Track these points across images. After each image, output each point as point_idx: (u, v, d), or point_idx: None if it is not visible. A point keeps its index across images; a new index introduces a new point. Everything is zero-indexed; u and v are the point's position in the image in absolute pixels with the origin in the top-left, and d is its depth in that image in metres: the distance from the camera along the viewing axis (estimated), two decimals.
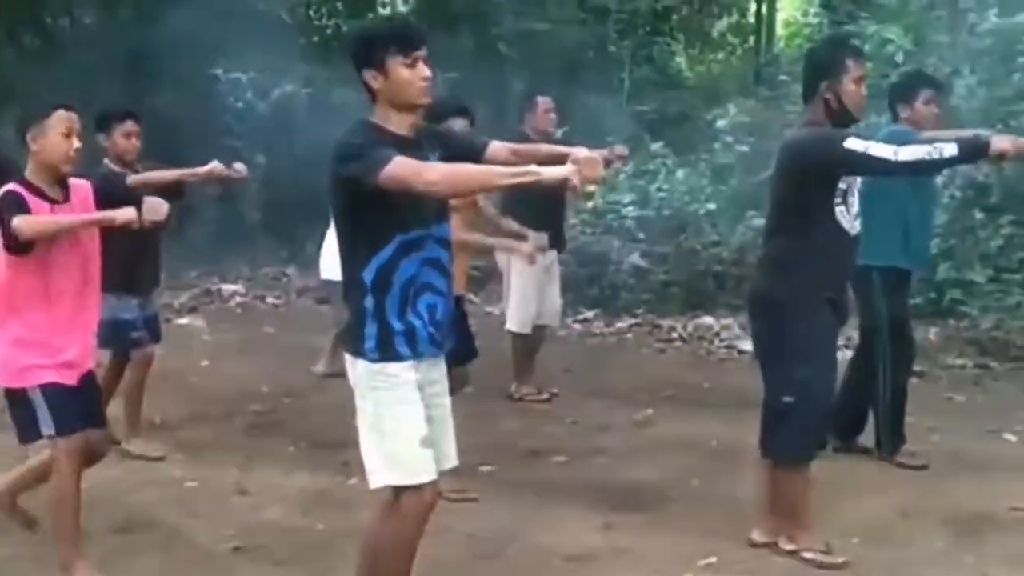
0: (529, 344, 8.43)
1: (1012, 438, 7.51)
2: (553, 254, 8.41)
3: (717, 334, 10.54)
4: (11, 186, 4.68)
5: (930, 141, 5.03)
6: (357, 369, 4.02)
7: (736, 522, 5.67)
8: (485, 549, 5.33)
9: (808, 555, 5.22)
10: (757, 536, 5.39)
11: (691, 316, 11.00)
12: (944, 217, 10.40)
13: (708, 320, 10.85)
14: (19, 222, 4.53)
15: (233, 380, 8.72)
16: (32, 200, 4.66)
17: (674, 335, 10.66)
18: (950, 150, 4.72)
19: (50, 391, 4.67)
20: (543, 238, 7.70)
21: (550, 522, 5.77)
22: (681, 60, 15.92)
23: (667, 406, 8.22)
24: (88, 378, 4.87)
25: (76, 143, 4.74)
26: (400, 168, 3.70)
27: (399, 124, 3.96)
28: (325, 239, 8.66)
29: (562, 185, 3.72)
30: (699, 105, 13.74)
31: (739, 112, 12.39)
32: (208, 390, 8.42)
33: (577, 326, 10.84)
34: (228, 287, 12.53)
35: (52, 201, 4.74)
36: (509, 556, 5.29)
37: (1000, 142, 4.81)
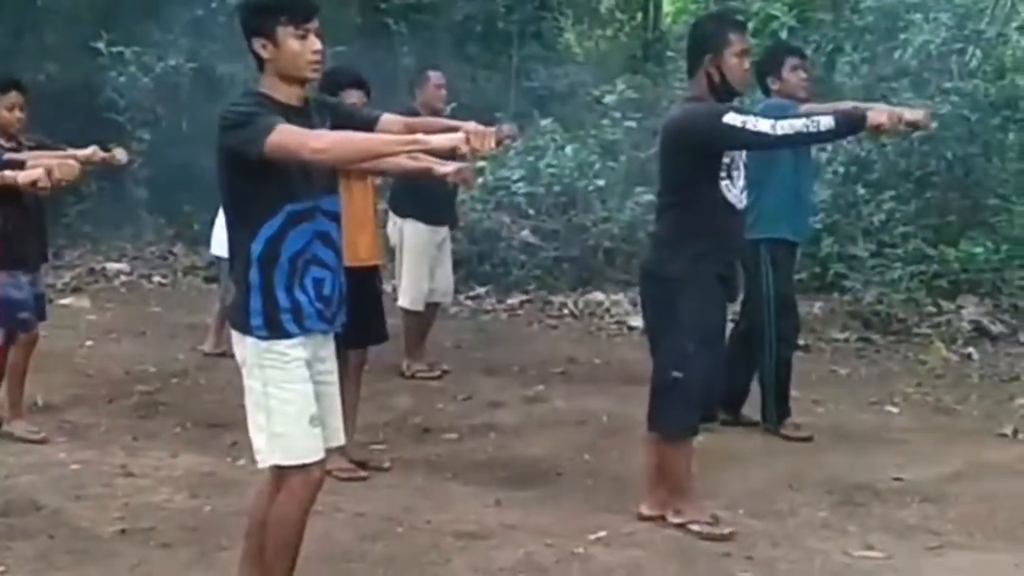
0: (422, 321, 8.40)
1: (894, 410, 7.68)
2: (445, 231, 8.40)
3: (607, 310, 10.60)
4: None
5: (808, 114, 5.07)
6: (245, 346, 3.95)
7: (626, 497, 5.72)
8: (374, 528, 5.30)
9: (695, 527, 5.27)
10: (645, 509, 5.43)
11: (582, 292, 11.06)
12: (827, 192, 10.59)
13: (599, 296, 10.90)
14: None
15: (118, 360, 8.57)
16: None
17: (565, 311, 10.70)
18: (827, 123, 4.78)
19: None
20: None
21: (441, 499, 5.76)
22: (569, 36, 15.91)
23: (558, 382, 8.26)
24: None
25: None
26: (286, 136, 3.63)
27: (287, 95, 3.88)
28: (217, 215, 8.53)
29: (450, 153, 3.68)
30: (587, 81, 13.76)
31: (627, 88, 12.43)
32: (93, 371, 8.26)
33: (469, 303, 10.83)
34: (112, 266, 12.28)
35: None
36: (399, 534, 5.26)
37: (876, 116, 4.88)
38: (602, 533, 5.28)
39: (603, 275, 11.32)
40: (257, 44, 3.85)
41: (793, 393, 7.07)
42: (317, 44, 3.86)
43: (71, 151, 6.34)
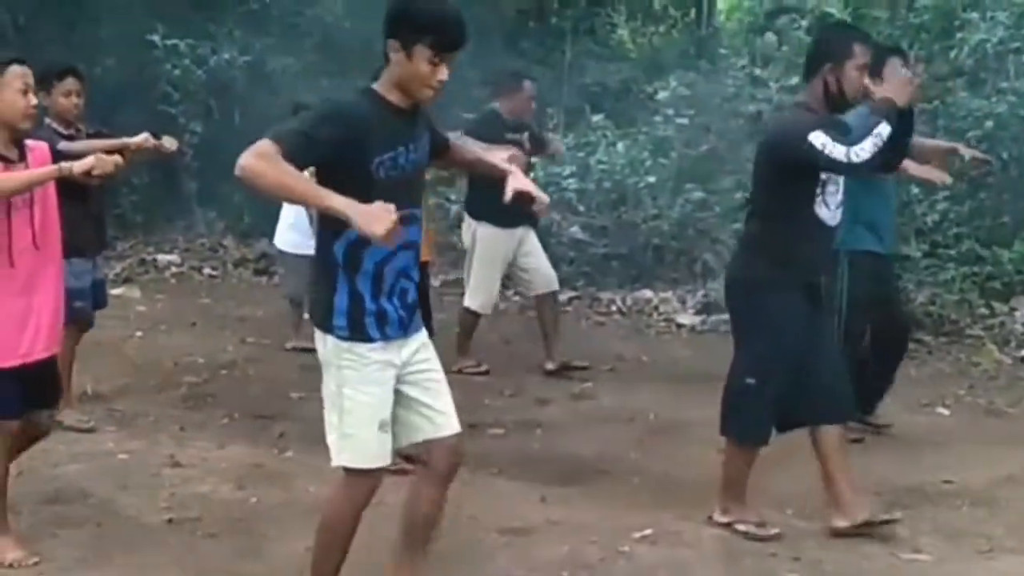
0: (543, 315, 8.43)
1: (945, 412, 7.60)
2: (522, 231, 8.32)
3: (656, 307, 10.56)
4: None
5: (870, 131, 4.91)
6: (326, 344, 3.93)
7: (672, 495, 5.70)
8: None
9: (741, 527, 5.24)
10: (718, 516, 5.36)
11: (630, 289, 11.02)
12: None
13: (647, 293, 10.86)
14: None
15: (167, 351, 8.63)
16: None
17: (613, 308, 10.68)
18: (884, 128, 4.76)
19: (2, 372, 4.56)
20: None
21: (486, 495, 5.74)
22: (623, 32, 15.85)
23: (606, 379, 8.23)
24: (45, 362, 4.75)
25: (33, 100, 4.59)
26: (259, 146, 3.54)
27: (398, 98, 3.83)
28: (281, 208, 8.60)
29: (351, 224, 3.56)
30: (640, 78, 13.70)
31: (679, 85, 12.35)
32: (142, 361, 8.33)
33: (517, 299, 10.81)
34: (163, 257, 12.38)
35: (7, 161, 4.58)
36: (443, 530, 5.25)
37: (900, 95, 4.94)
38: (648, 531, 5.26)
39: (652, 272, 11.27)
40: (393, 46, 3.78)
41: None
42: (444, 75, 3.78)
43: (125, 139, 6.38)
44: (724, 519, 5.31)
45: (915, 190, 10.45)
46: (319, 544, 4.10)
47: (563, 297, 10.77)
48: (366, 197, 3.53)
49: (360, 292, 3.85)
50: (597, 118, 12.48)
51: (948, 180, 5.28)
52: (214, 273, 12.08)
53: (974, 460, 6.47)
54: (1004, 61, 11.07)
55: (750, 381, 5.16)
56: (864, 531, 5.20)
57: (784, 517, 5.54)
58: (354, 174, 3.69)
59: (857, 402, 6.55)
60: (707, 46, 15.13)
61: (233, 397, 7.51)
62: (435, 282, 10.56)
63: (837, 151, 4.79)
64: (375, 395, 3.91)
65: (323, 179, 3.71)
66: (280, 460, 6.20)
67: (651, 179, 11.55)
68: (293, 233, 8.50)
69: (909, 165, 6.27)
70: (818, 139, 4.82)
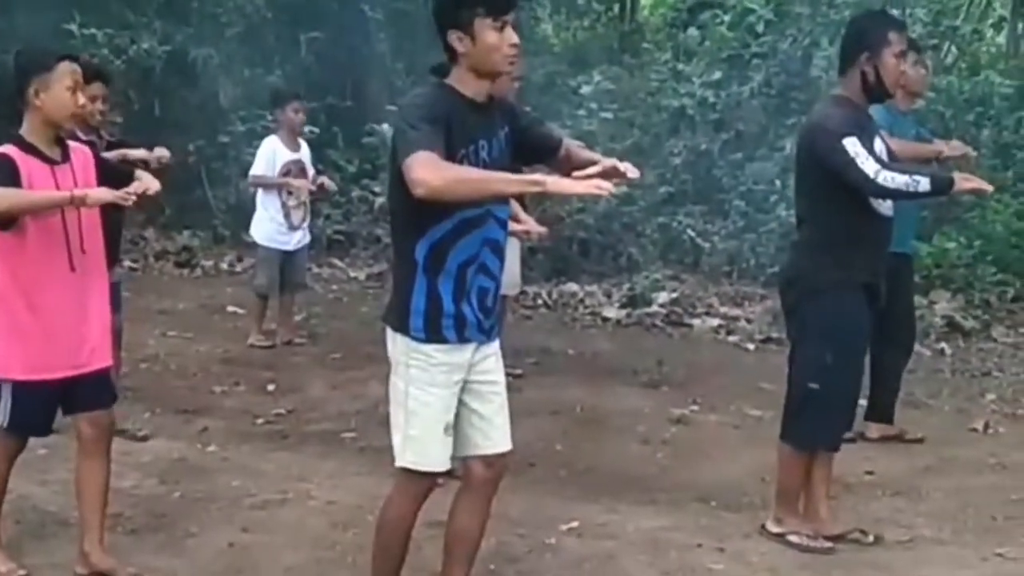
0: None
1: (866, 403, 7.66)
2: None
3: (582, 301, 10.59)
4: (2, 148, 4.29)
5: (911, 172, 4.81)
6: (397, 344, 3.88)
7: (599, 487, 5.71)
8: (345, 516, 5.27)
9: (794, 538, 5.09)
10: (772, 526, 5.22)
11: (556, 283, 11.03)
12: None
13: (573, 287, 10.88)
14: None
15: None
16: (28, 161, 4.28)
17: (539, 302, 10.68)
18: (925, 185, 4.67)
19: (20, 389, 4.40)
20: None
21: None
22: (547, 27, 15.86)
23: (532, 372, 8.22)
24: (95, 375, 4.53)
25: (81, 99, 4.36)
26: (418, 162, 3.48)
27: (475, 90, 3.74)
28: (257, 197, 8.51)
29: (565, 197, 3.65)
30: (564, 72, 13.74)
31: (603, 79, 12.40)
32: None
33: None
34: None
35: (51, 162, 4.35)
36: (370, 523, 5.19)
37: (963, 183, 4.80)
38: (574, 523, 5.27)
39: (578, 266, 11.30)
40: (453, 37, 3.69)
41: (767, 387, 7.07)
42: (514, 37, 3.71)
43: (144, 152, 6.33)
44: (777, 529, 5.16)
45: None
46: (378, 545, 4.09)
47: None
48: None
49: (440, 294, 3.78)
50: None
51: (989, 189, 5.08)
52: (134, 266, 11.90)
53: (894, 451, 6.56)
54: (923, 57, 11.22)
55: (813, 386, 4.98)
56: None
57: (709, 508, 5.58)
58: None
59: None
60: (631, 41, 15.22)
61: (155, 392, 7.40)
62: (359, 275, 10.53)
63: (868, 166, 4.67)
64: (441, 397, 3.85)
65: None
66: (203, 455, 6.13)
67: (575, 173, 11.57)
68: (270, 225, 8.39)
69: None
70: (852, 147, 4.70)
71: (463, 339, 3.83)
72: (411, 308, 3.79)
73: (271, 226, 8.40)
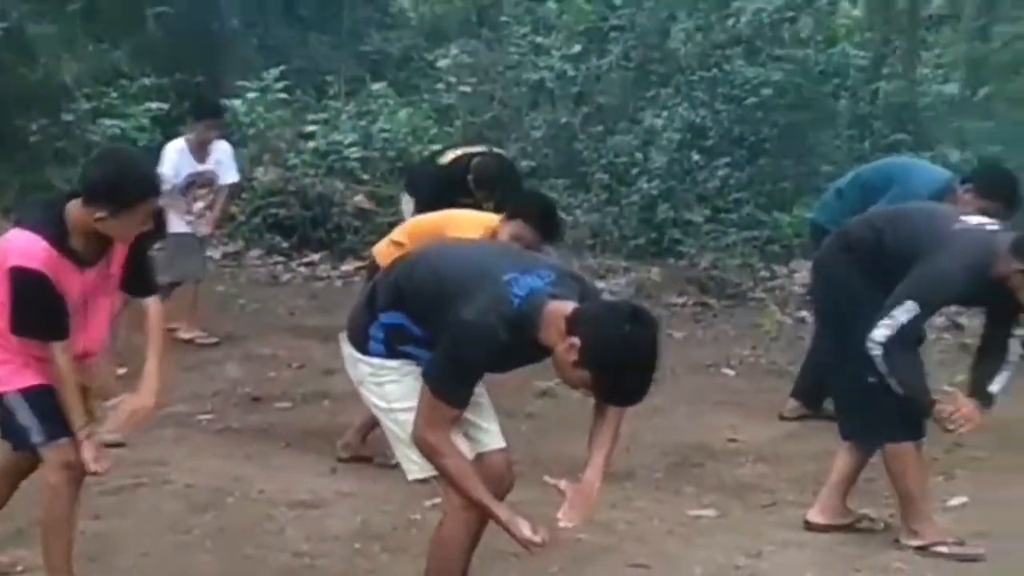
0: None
1: (730, 372, 7.76)
2: None
3: None
4: (38, 249, 3.71)
5: (912, 372, 4.62)
6: (358, 368, 3.82)
7: None
8: (204, 499, 5.14)
9: (942, 549, 4.75)
10: (816, 517, 5.02)
11: None
12: (663, 159, 10.64)
13: None
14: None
15: None
16: (60, 264, 3.74)
17: None
18: (907, 385, 4.55)
19: (33, 394, 3.90)
20: None
21: (274, 469, 5.62)
22: (404, 0, 15.70)
23: None
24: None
25: (145, 228, 3.89)
26: (433, 436, 3.60)
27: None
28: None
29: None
30: (421, 46, 13.61)
31: (461, 53, 12.31)
32: None
33: (302, 269, 10.60)
34: None
35: (83, 264, 3.82)
36: (230, 505, 5.10)
37: (943, 410, 4.61)
38: (438, 499, 5.17)
39: None
40: None
41: None
42: None
43: None
44: (918, 543, 4.80)
45: (696, 157, 10.65)
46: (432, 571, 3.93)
47: (349, 267, 10.64)
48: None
49: (392, 338, 3.72)
50: (378, 86, 12.36)
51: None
52: None
53: (757, 418, 6.61)
54: (779, 30, 11.38)
55: (872, 380, 4.63)
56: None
57: (576, 481, 5.52)
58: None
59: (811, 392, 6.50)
60: (488, 14, 15.11)
61: None
62: (215, 254, 10.29)
63: (883, 327, 4.49)
64: None
65: (403, 301, 3.74)
66: None
67: (435, 147, 11.47)
68: (174, 215, 7.93)
69: None
70: (912, 309, 4.49)
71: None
72: (370, 334, 3.75)
73: (175, 216, 7.96)
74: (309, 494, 5.24)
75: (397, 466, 5.39)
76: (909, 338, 4.58)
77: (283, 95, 12.02)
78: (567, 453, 5.91)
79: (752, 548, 4.80)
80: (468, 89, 11.89)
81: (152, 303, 4.13)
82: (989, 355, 4.77)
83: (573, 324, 3.44)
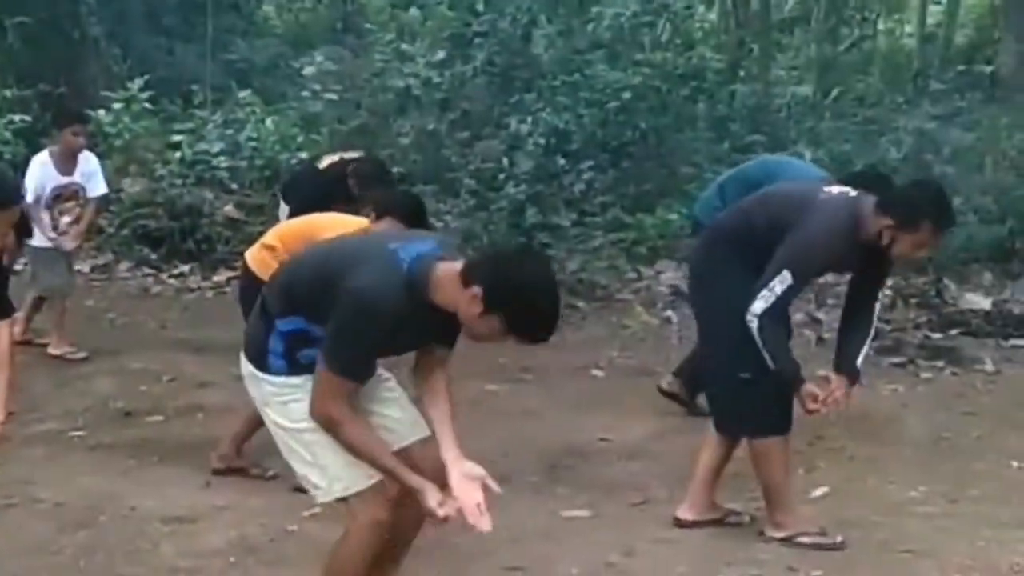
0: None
1: (599, 373, 7.87)
2: None
3: None
4: None
5: (775, 339, 4.68)
6: (261, 386, 3.75)
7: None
8: (75, 517, 5.09)
9: (805, 539, 4.91)
10: (685, 514, 5.12)
11: None
12: (529, 164, 10.74)
13: None
14: None
15: None
16: None
17: None
18: (779, 359, 4.64)
19: None
20: None
21: (147, 484, 5.57)
22: (268, 8, 15.63)
23: None
24: None
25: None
26: (330, 408, 3.56)
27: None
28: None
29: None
30: (287, 53, 13.56)
31: (326, 60, 12.30)
32: None
33: (173, 281, 10.49)
34: None
35: None
36: (102, 523, 5.06)
37: (807, 391, 4.71)
38: (316, 509, 5.19)
39: None
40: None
41: (504, 362, 7.16)
42: None
43: None
44: (781, 534, 4.94)
45: (561, 161, 10.78)
46: None
47: (220, 278, 10.56)
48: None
49: (293, 345, 3.67)
50: (245, 94, 12.29)
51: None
52: None
53: (628, 418, 6.73)
54: (638, 34, 11.56)
55: (744, 375, 4.76)
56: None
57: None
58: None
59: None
60: (353, 21, 15.14)
61: None
62: (84, 267, 10.14)
63: (759, 301, 4.60)
64: None
65: (310, 303, 3.66)
66: None
67: (303, 155, 11.46)
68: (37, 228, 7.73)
69: None
70: (787, 279, 4.60)
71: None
72: (270, 348, 3.71)
73: (39, 230, 7.78)
74: (184, 509, 5.22)
75: (274, 477, 5.45)
76: (784, 310, 4.72)
77: (148, 105, 11.88)
78: None
79: (625, 546, 4.91)
80: (334, 96, 11.87)
81: (3, 326, 4.11)
82: (857, 324, 4.92)
83: (468, 275, 3.48)
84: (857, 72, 12.66)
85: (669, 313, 9.39)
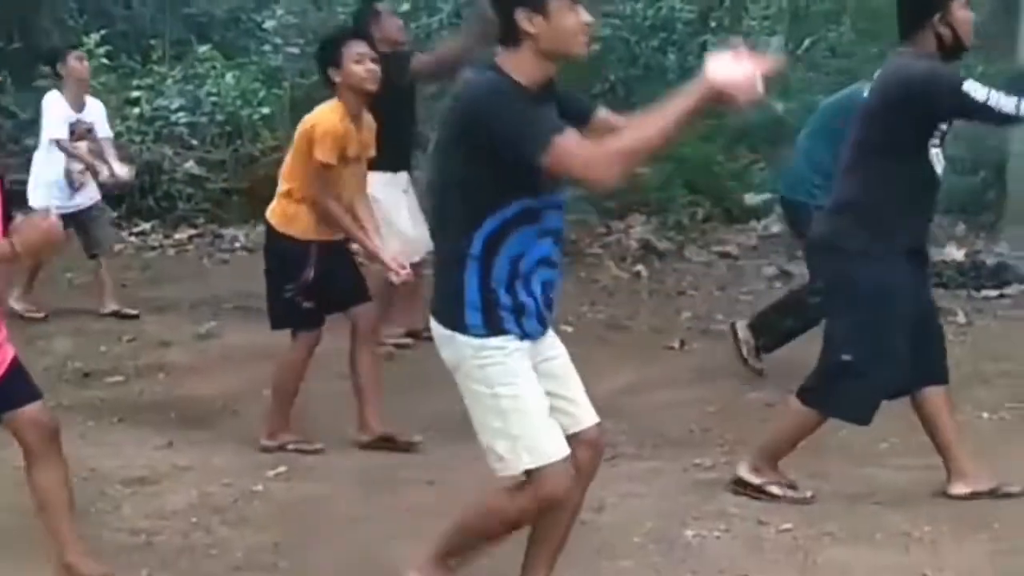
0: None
1: (569, 329, 7.64)
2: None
3: None
4: None
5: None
6: (456, 346, 3.49)
7: (305, 431, 5.59)
8: None
9: (775, 489, 4.89)
10: (751, 475, 4.96)
11: (254, 224, 10.72)
12: None
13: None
14: None
15: None
16: None
17: (237, 245, 10.40)
18: None
19: None
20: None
21: (107, 445, 5.50)
22: None
23: (232, 317, 7.99)
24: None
25: None
26: (571, 150, 3.21)
27: (533, 78, 3.36)
28: (33, 164, 7.76)
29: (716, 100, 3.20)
30: (247, 6, 13.34)
31: (286, 14, 12.11)
32: None
33: (133, 239, 10.37)
34: None
35: None
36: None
37: None
38: (282, 468, 5.17)
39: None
40: (521, 17, 3.31)
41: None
42: (587, 16, 3.36)
43: None
44: (755, 479, 4.92)
45: None
46: (465, 525, 3.79)
47: (182, 236, 10.45)
48: (527, 180, 3.30)
49: (494, 286, 3.42)
50: (204, 49, 12.10)
51: None
52: None
53: (597, 372, 6.57)
54: None
55: (846, 358, 4.69)
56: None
57: (425, 437, 5.55)
58: (518, 161, 3.28)
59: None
60: None
61: None
62: None
63: (1004, 102, 4.42)
64: (531, 382, 3.50)
65: (484, 162, 3.31)
66: None
67: (265, 110, 11.31)
68: (46, 190, 7.59)
69: None
70: (977, 91, 4.43)
71: (524, 333, 3.49)
72: (466, 302, 3.45)
73: (47, 191, 7.65)
74: (145, 470, 5.15)
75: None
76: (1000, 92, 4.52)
77: (106, 60, 11.67)
78: (412, 413, 5.93)
79: (594, 502, 4.83)
80: (296, 50, 11.70)
81: None
82: None
83: (504, 39, 3.37)
84: (830, 22, 12.56)
85: (639, 267, 9.35)
